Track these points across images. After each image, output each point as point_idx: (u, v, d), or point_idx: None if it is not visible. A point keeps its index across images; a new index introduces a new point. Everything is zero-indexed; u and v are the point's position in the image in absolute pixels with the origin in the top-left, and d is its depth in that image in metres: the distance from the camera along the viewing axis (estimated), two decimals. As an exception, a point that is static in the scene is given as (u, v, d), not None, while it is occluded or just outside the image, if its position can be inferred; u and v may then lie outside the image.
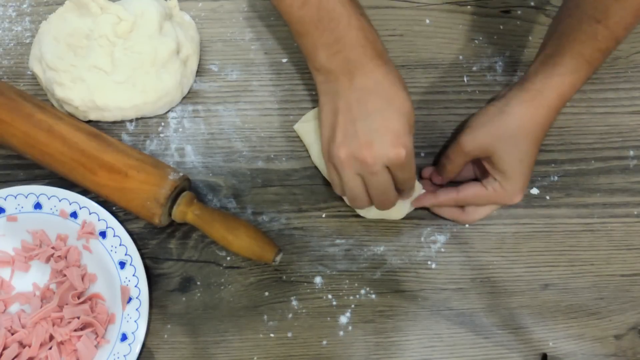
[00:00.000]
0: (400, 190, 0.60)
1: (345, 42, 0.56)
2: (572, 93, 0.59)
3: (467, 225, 0.67)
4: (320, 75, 0.58)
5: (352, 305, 0.64)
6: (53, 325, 0.60)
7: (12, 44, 0.74)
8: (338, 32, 0.56)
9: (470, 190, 0.63)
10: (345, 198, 0.64)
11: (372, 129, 0.55)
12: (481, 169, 0.63)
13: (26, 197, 0.64)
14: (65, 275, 0.62)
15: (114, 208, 0.65)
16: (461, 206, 0.65)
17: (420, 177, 0.68)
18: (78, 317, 0.60)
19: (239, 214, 0.67)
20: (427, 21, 0.75)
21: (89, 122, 0.69)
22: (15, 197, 0.64)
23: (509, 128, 0.59)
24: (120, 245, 0.62)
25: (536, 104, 0.58)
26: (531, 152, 0.59)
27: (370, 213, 0.65)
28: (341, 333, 0.63)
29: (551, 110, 0.59)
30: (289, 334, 0.63)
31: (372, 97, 0.55)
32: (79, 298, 0.62)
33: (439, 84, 0.72)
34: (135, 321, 0.60)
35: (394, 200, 0.60)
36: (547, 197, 0.68)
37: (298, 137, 0.69)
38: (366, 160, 0.55)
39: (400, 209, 0.65)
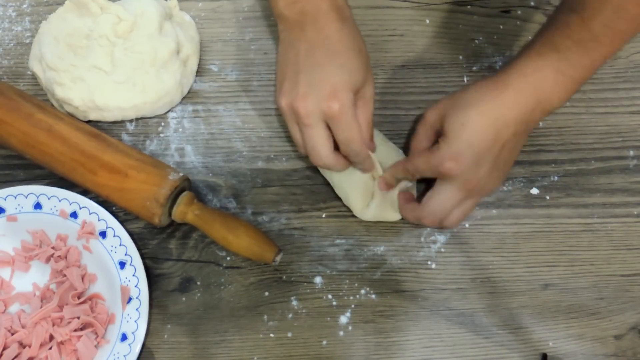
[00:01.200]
0: (348, 155, 0.60)
1: None
2: (540, 80, 0.56)
3: (467, 225, 0.67)
4: (279, 24, 0.60)
5: (352, 305, 0.64)
6: (53, 325, 0.60)
7: (12, 44, 0.74)
8: None
9: (415, 154, 0.61)
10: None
11: (312, 81, 0.56)
12: None
13: (26, 197, 0.64)
14: (65, 275, 0.62)
15: (114, 208, 0.65)
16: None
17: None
18: (78, 317, 0.60)
19: (239, 214, 0.67)
20: (427, 21, 0.75)
21: (89, 122, 0.69)
22: (15, 197, 0.64)
23: (463, 97, 0.58)
24: (120, 245, 0.62)
25: (495, 83, 0.57)
26: (477, 123, 0.55)
27: (367, 215, 0.65)
28: (341, 333, 0.63)
29: (512, 93, 0.56)
30: (289, 334, 0.63)
31: (319, 50, 0.57)
32: (79, 298, 0.62)
33: (439, 84, 0.72)
34: (135, 321, 0.60)
35: (326, 159, 0.60)
36: (547, 197, 0.68)
37: (298, 137, 0.69)
38: (299, 111, 0.57)
39: (397, 210, 0.64)
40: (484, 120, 0.56)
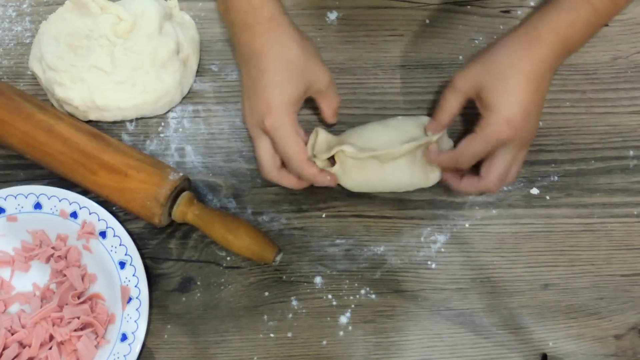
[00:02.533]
0: (291, 171, 0.61)
1: (232, 3, 0.57)
2: (570, 31, 0.57)
3: (467, 225, 0.67)
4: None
5: (352, 305, 0.64)
6: (53, 325, 0.60)
7: (12, 44, 0.74)
8: None
9: (464, 141, 0.60)
10: None
11: (252, 97, 0.59)
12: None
13: (26, 197, 0.64)
14: (65, 275, 0.62)
15: (114, 208, 0.65)
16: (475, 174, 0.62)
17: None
18: (78, 317, 0.60)
19: (239, 214, 0.67)
20: (427, 21, 0.75)
21: (89, 122, 0.69)
22: (15, 197, 0.64)
23: (497, 61, 0.58)
24: (120, 245, 0.62)
25: (526, 39, 0.57)
26: (519, 85, 0.57)
27: (433, 179, 0.64)
28: (341, 333, 0.63)
29: (542, 44, 0.57)
30: (289, 334, 0.63)
31: (252, 65, 0.58)
32: (79, 298, 0.62)
33: (439, 84, 0.72)
34: (135, 321, 0.60)
35: (269, 173, 0.61)
36: (547, 197, 0.68)
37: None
38: (247, 126, 0.60)
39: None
40: (523, 79, 0.57)
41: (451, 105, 0.61)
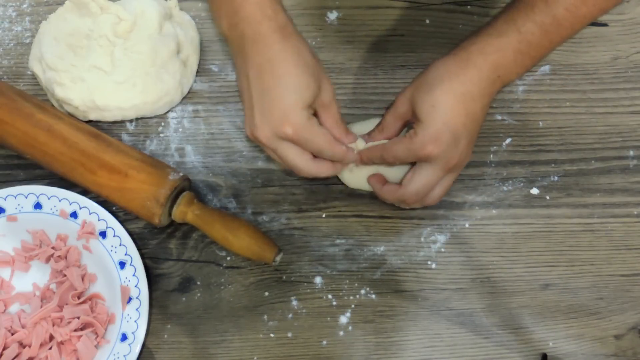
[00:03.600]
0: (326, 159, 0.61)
1: (241, 15, 0.56)
2: (498, 57, 0.58)
3: (467, 225, 0.67)
4: (227, 43, 0.60)
5: (352, 305, 0.64)
6: (53, 325, 0.60)
7: (12, 44, 0.74)
8: (237, 4, 0.56)
9: (393, 140, 0.61)
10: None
11: (264, 109, 0.57)
12: None
13: (26, 197, 0.64)
14: (65, 275, 0.62)
15: (114, 208, 0.65)
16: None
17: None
18: (78, 317, 0.60)
19: (239, 214, 0.67)
20: (427, 21, 0.75)
21: (89, 122, 0.69)
22: (15, 197, 0.64)
23: (426, 77, 0.59)
24: (120, 245, 0.62)
25: (454, 57, 0.59)
26: (446, 101, 0.57)
27: (346, 177, 0.65)
28: (341, 333, 0.63)
29: (472, 66, 0.58)
30: (289, 334, 0.63)
31: (266, 74, 0.56)
32: (79, 298, 0.62)
33: (439, 84, 0.72)
34: (135, 321, 0.60)
35: (310, 170, 0.60)
36: (547, 197, 0.68)
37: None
38: (260, 140, 0.58)
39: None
40: (451, 97, 0.57)
41: (389, 125, 0.63)
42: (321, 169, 0.61)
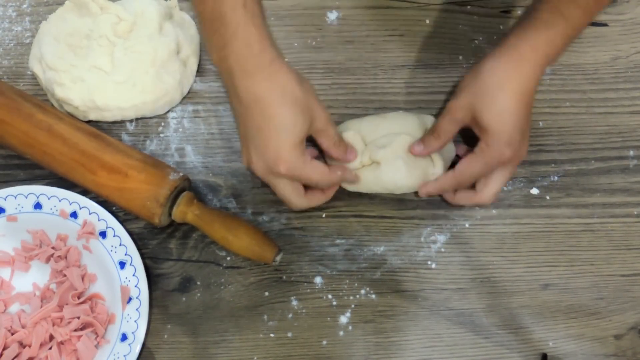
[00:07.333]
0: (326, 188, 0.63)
1: (229, 50, 0.55)
2: (549, 48, 0.59)
3: (467, 225, 0.67)
4: (218, 72, 0.61)
5: (352, 305, 0.64)
6: (53, 325, 0.60)
7: (12, 44, 0.74)
8: (226, 38, 0.55)
9: (464, 162, 0.62)
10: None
11: (257, 146, 0.58)
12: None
13: (26, 197, 0.64)
14: (65, 275, 0.62)
15: (114, 208, 0.65)
16: (472, 187, 0.64)
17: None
18: (78, 317, 0.60)
19: (239, 214, 0.67)
20: (427, 21, 0.75)
21: (89, 122, 0.69)
22: (15, 197, 0.64)
23: (485, 84, 0.59)
24: (120, 245, 0.62)
25: (508, 58, 0.59)
26: (512, 105, 0.58)
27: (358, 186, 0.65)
28: (341, 333, 0.63)
29: (526, 63, 0.58)
30: (289, 334, 0.63)
31: (255, 113, 0.57)
32: (79, 298, 0.62)
33: (438, 84, 0.72)
34: (135, 321, 0.60)
35: (300, 204, 0.62)
36: (547, 197, 0.68)
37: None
38: (256, 173, 0.60)
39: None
40: (515, 101, 0.58)
41: (446, 132, 0.63)
42: (312, 202, 0.63)
